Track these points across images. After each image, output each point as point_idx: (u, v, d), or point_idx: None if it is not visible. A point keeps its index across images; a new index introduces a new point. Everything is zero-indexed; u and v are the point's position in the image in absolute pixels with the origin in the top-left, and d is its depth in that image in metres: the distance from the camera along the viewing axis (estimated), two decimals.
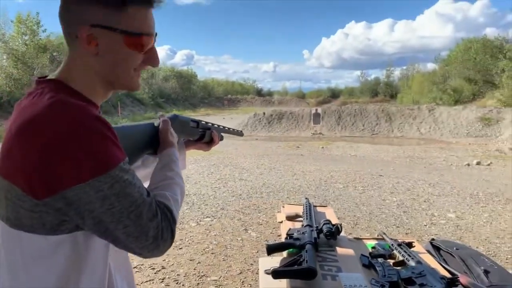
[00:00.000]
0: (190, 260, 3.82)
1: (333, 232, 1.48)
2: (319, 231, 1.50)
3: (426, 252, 1.60)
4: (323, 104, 38.54)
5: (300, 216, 1.76)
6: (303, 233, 1.46)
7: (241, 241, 4.39)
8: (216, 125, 1.40)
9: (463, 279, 1.23)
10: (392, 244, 1.56)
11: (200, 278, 3.43)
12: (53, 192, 0.74)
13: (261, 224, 5.02)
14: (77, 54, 0.87)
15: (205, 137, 1.33)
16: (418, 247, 1.61)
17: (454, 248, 1.60)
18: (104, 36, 0.84)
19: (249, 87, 59.17)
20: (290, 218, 1.76)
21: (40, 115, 0.77)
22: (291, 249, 1.41)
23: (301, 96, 55.15)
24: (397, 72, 52.00)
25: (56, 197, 0.74)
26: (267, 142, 17.34)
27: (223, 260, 3.82)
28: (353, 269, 1.29)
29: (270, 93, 59.89)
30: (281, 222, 1.79)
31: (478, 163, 11.23)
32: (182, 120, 1.22)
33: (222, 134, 1.45)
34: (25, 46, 27.36)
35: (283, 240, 1.64)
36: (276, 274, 1.18)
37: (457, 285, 1.20)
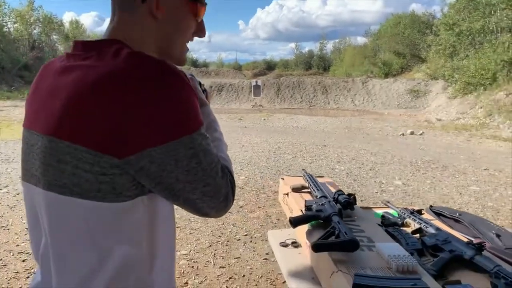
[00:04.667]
0: None
1: (351, 202, 1.48)
2: (336, 201, 1.48)
3: (435, 219, 1.66)
4: (259, 76, 38.66)
5: (305, 187, 1.74)
6: (322, 204, 1.44)
7: None
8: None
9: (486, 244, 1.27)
10: (403, 212, 1.59)
11: None
12: (139, 149, 0.67)
13: None
14: (138, 17, 0.82)
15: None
16: (425, 215, 1.66)
17: (457, 214, 1.67)
18: (170, 1, 0.83)
19: None
20: (296, 189, 1.73)
21: (127, 67, 0.70)
22: (313, 221, 1.39)
23: (238, 67, 54.53)
24: (329, 45, 53.28)
25: (141, 155, 0.68)
26: None
27: (190, 233, 3.75)
28: (383, 239, 1.29)
29: (206, 64, 58.51)
30: (287, 194, 1.76)
31: (411, 133, 11.96)
32: (196, 79, 1.15)
33: None
34: None
35: (294, 212, 1.61)
36: (318, 247, 1.14)
37: (483, 250, 1.25)
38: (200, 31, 0.92)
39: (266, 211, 4.46)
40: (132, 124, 0.66)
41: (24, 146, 0.82)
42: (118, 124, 0.66)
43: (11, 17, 33.25)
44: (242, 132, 11.30)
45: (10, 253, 3.27)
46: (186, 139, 0.70)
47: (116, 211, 0.70)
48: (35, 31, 35.55)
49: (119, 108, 0.66)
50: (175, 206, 0.81)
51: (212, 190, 0.76)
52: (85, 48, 0.78)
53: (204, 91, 1.28)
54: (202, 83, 1.24)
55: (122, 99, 0.67)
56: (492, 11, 19.02)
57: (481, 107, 14.97)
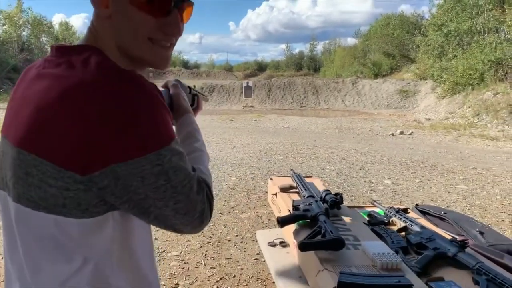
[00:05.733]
0: None
1: (338, 202, 1.51)
2: (323, 201, 1.51)
3: (420, 217, 1.70)
4: (250, 77, 38.71)
5: (293, 187, 1.76)
6: (309, 204, 1.46)
7: None
8: (195, 90, 1.31)
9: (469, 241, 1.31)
10: (389, 211, 1.62)
11: (161, 254, 3.35)
12: (103, 166, 0.65)
13: None
14: (95, 19, 0.80)
15: (194, 103, 1.25)
16: (411, 213, 1.69)
17: (442, 212, 1.71)
18: None
19: (174, 58, 57.48)
20: (285, 189, 1.76)
21: (93, 80, 0.68)
22: (301, 221, 1.41)
23: (229, 68, 54.71)
24: (320, 46, 53.57)
25: (105, 172, 0.65)
26: (199, 115, 17.09)
27: (181, 234, 3.75)
28: (369, 237, 1.32)
29: (197, 66, 58.59)
30: (275, 194, 1.78)
31: (401, 133, 12.06)
32: (184, 85, 1.15)
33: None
34: None
35: (282, 212, 1.63)
36: (304, 246, 1.17)
37: (466, 247, 1.28)
38: (166, 28, 0.79)
39: (257, 212, 4.48)
40: (96, 139, 0.64)
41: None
42: (82, 139, 0.64)
43: None
44: (233, 133, 11.30)
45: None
46: (153, 156, 0.67)
47: (84, 226, 0.69)
48: (24, 33, 35.21)
49: (83, 122, 0.64)
50: None
51: (185, 207, 0.73)
52: (58, 53, 0.76)
53: (196, 95, 1.27)
54: (191, 87, 1.24)
55: (86, 113, 0.64)
56: (479, 12, 19.25)
57: (469, 107, 15.15)
